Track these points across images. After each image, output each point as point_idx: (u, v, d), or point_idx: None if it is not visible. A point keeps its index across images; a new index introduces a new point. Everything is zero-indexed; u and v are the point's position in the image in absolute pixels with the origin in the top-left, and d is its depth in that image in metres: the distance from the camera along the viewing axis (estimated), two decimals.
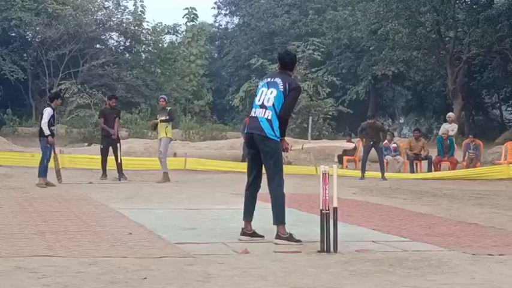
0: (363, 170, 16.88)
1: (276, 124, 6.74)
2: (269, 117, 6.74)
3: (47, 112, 13.16)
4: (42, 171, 13.05)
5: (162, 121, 14.72)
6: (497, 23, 30.27)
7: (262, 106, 6.80)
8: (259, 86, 7.06)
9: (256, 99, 6.92)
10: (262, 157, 6.81)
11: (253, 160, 6.95)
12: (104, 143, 15.28)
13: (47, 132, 13.06)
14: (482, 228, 8.19)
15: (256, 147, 6.81)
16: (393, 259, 5.98)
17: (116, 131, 15.25)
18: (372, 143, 16.71)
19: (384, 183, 15.47)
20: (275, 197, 6.75)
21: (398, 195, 12.50)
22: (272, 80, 6.93)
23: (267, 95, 6.81)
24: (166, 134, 14.79)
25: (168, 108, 15.39)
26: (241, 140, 21.70)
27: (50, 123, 13.13)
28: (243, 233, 6.89)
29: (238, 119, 36.42)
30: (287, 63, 7.09)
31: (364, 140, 17.15)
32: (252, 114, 6.94)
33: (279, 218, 6.72)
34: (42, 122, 13.17)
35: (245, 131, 7.09)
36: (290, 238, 6.63)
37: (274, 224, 6.73)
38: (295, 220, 7.79)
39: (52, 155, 13.42)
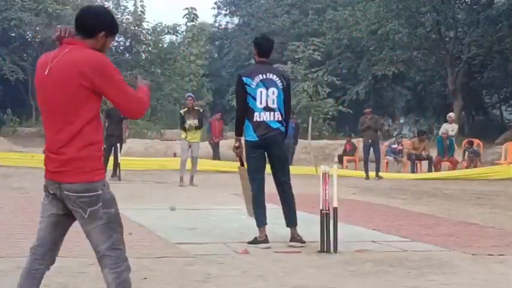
0: (366, 170, 17.02)
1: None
2: (280, 119, 6.61)
3: None
4: None
5: (197, 128, 14.03)
6: (497, 23, 30.26)
7: (267, 109, 6.54)
8: (251, 85, 6.56)
9: (257, 102, 6.53)
10: (277, 160, 6.68)
11: (263, 162, 6.73)
12: (107, 143, 15.28)
13: None
14: (482, 228, 8.19)
15: (270, 148, 6.61)
16: (393, 259, 5.98)
17: (125, 131, 15.41)
18: (370, 141, 16.88)
19: (384, 183, 15.47)
20: (293, 198, 6.72)
21: (398, 195, 12.50)
22: (266, 77, 6.59)
23: (269, 96, 6.54)
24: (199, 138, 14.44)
25: (201, 110, 14.77)
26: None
27: None
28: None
29: None
30: (267, 50, 6.77)
31: (363, 138, 17.33)
32: (256, 118, 6.55)
33: (296, 218, 6.71)
34: None
35: (250, 136, 6.63)
36: (302, 240, 6.61)
37: (294, 225, 6.65)
38: None
39: None
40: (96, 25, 3.36)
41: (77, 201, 3.26)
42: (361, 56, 38.79)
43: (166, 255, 5.97)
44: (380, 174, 17.10)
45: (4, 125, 33.65)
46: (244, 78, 6.62)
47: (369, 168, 17.09)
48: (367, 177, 16.82)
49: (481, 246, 6.75)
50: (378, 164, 17.09)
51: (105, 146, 15.42)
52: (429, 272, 5.49)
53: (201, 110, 14.66)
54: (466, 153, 19.40)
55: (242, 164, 7.02)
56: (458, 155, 19.45)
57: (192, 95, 14.96)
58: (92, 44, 3.34)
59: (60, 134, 3.25)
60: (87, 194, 3.24)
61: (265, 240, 6.52)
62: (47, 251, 3.55)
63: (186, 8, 43.90)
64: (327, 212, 6.32)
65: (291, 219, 6.64)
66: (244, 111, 6.65)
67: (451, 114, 21.66)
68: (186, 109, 14.31)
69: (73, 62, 3.22)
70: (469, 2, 33.89)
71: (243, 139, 6.79)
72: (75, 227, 8.02)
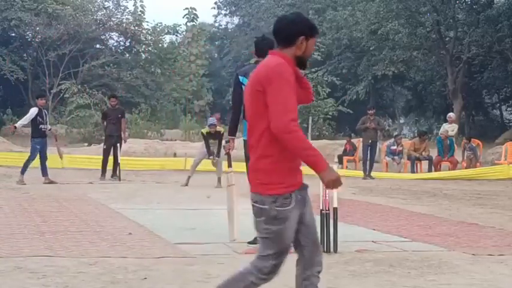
0: (364, 170, 17.15)
1: None
2: None
3: (30, 111, 13.92)
4: (23, 169, 13.56)
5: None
6: (497, 23, 30.27)
7: None
8: (246, 84, 6.67)
9: None
10: None
11: None
12: (107, 143, 15.29)
13: (18, 124, 14.45)
14: (482, 228, 8.19)
15: None
16: (393, 259, 5.98)
17: (124, 131, 15.33)
18: (370, 142, 16.95)
19: (384, 183, 15.47)
20: None
21: (398, 195, 12.49)
22: None
23: None
24: None
25: (222, 131, 14.40)
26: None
27: (39, 122, 13.73)
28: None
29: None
30: (264, 49, 6.52)
31: (363, 138, 17.39)
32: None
33: None
34: (24, 117, 14.19)
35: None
36: None
37: None
38: None
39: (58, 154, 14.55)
40: (294, 31, 3.40)
41: (252, 208, 3.42)
42: (361, 56, 38.80)
43: (166, 255, 5.97)
44: (373, 175, 17.15)
45: (4, 125, 33.64)
46: (240, 77, 6.64)
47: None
48: (365, 177, 16.85)
49: (481, 246, 6.75)
50: (371, 164, 17.19)
51: (105, 146, 15.47)
52: (429, 272, 5.50)
53: (222, 132, 14.36)
54: (466, 153, 19.38)
55: (230, 165, 7.07)
56: (458, 155, 19.44)
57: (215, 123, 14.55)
58: (292, 51, 3.40)
59: (248, 143, 3.47)
60: (254, 204, 3.38)
61: None
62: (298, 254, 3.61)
63: (186, 8, 43.96)
64: (327, 212, 6.32)
65: None
66: (238, 111, 6.66)
67: (451, 114, 21.66)
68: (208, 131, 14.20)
69: (258, 71, 3.42)
70: (469, 2, 33.89)
71: (238, 140, 6.78)
72: (75, 227, 8.00)
